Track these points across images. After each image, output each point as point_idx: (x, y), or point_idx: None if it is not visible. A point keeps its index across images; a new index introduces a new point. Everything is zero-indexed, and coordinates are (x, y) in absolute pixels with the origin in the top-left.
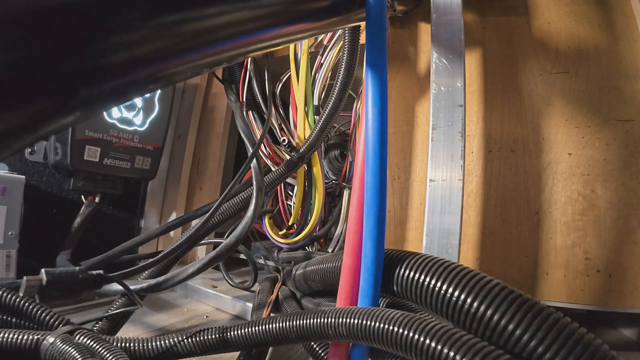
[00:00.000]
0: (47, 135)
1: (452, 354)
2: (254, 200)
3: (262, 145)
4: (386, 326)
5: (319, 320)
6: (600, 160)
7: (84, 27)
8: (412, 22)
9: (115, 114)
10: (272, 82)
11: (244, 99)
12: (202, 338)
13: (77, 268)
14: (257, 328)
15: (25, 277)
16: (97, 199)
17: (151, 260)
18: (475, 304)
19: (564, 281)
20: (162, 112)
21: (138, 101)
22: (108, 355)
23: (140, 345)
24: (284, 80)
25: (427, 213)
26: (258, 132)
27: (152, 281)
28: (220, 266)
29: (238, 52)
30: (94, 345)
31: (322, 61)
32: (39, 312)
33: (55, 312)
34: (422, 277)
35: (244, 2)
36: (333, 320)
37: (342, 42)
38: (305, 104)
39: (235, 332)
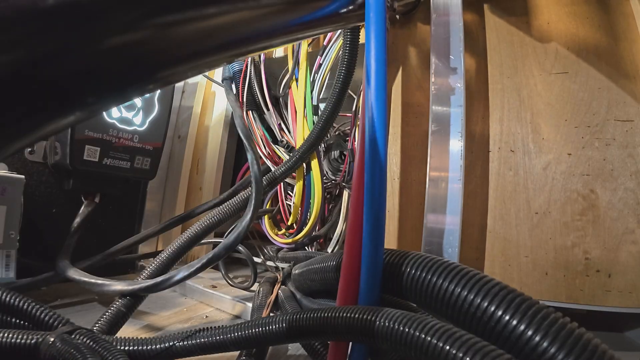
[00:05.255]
0: (47, 135)
1: (453, 351)
2: (253, 201)
3: (262, 144)
4: (387, 323)
5: (319, 318)
6: (600, 160)
7: (84, 27)
8: (412, 22)
9: (115, 113)
10: (272, 82)
11: (244, 99)
12: (201, 338)
13: None
14: (256, 327)
15: None
16: (96, 199)
17: None
18: (475, 304)
19: (564, 281)
20: (162, 112)
21: (138, 101)
22: (108, 355)
23: (140, 345)
24: (284, 80)
25: (427, 213)
26: (258, 132)
27: (151, 281)
28: (219, 266)
29: (238, 51)
30: (94, 345)
31: (321, 61)
32: (39, 312)
33: (54, 312)
34: (422, 277)
35: (244, 2)
36: (333, 318)
37: (341, 42)
38: (305, 104)
39: (235, 332)
